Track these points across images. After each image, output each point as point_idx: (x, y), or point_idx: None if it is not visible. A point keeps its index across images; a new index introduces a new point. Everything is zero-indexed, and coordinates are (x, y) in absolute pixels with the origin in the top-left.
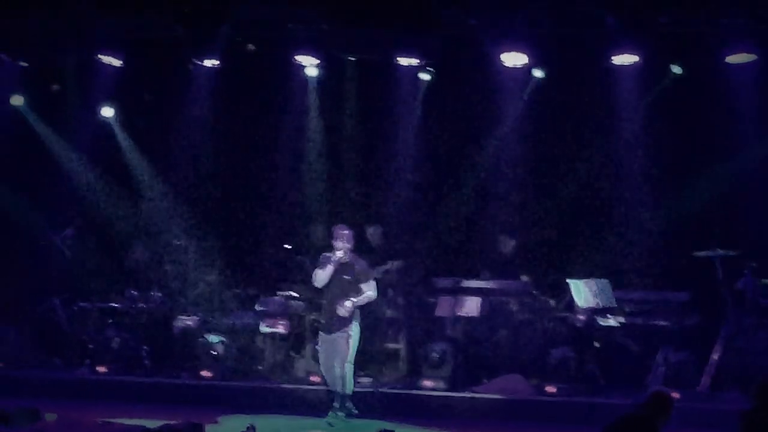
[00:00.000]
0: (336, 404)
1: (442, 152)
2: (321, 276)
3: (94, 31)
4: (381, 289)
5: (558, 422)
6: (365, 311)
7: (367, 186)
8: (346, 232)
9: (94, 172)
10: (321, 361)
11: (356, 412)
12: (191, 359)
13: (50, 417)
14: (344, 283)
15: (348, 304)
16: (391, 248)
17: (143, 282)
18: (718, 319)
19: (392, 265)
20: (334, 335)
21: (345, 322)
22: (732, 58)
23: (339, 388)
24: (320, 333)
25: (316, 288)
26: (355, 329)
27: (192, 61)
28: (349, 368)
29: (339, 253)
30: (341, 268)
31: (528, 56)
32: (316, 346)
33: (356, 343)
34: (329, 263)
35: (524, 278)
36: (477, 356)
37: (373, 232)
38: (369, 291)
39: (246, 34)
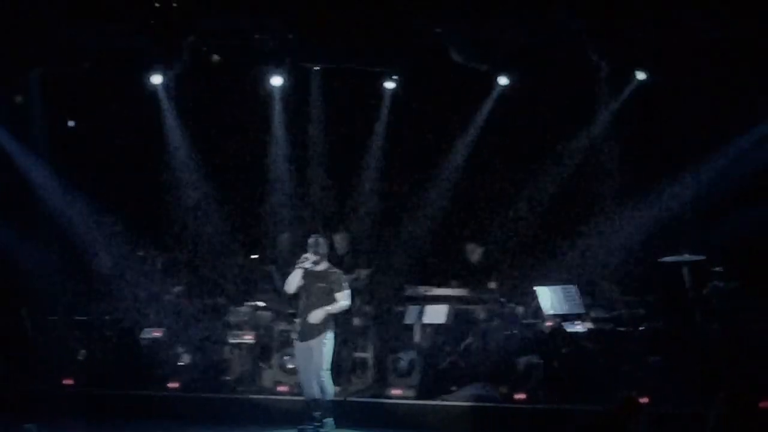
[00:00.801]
0: (317, 414)
1: (408, 160)
2: (290, 280)
3: (58, 42)
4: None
5: (527, 429)
6: (338, 320)
7: (334, 194)
8: (319, 240)
9: (60, 183)
10: (298, 369)
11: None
12: (158, 371)
13: None
14: (319, 291)
15: (320, 312)
16: (359, 257)
17: (109, 294)
18: (685, 324)
19: (360, 273)
20: (308, 343)
21: (320, 329)
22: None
23: (318, 396)
24: (295, 342)
25: (286, 297)
26: (329, 336)
27: (156, 71)
28: (326, 375)
29: (309, 257)
30: (316, 276)
31: (493, 63)
32: (285, 357)
33: (331, 351)
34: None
35: (491, 285)
36: (445, 364)
37: (340, 240)
38: (343, 300)
39: (211, 44)
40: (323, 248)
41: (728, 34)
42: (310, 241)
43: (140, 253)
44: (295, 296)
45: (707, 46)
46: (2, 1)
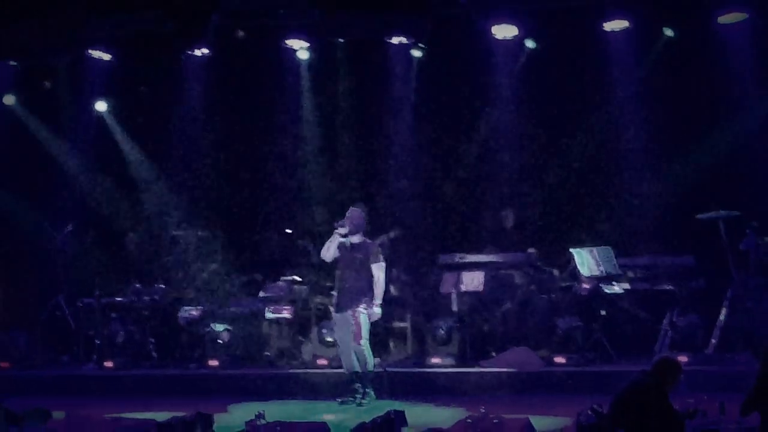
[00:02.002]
0: (358, 386)
1: (439, 128)
2: (325, 250)
3: (84, 28)
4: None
5: (568, 392)
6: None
7: (366, 165)
8: (354, 213)
9: (91, 167)
10: (337, 342)
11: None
12: (198, 349)
13: (58, 415)
14: (355, 262)
15: (377, 310)
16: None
17: (146, 275)
18: (724, 281)
19: (383, 238)
20: (345, 314)
21: (357, 300)
22: (723, 19)
23: (359, 368)
24: (333, 313)
25: (321, 271)
26: (367, 307)
27: (183, 51)
28: (365, 345)
29: (341, 230)
30: (352, 248)
31: (519, 28)
32: (323, 330)
33: (368, 322)
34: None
35: (531, 250)
36: (484, 331)
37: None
38: (379, 273)
39: (236, 22)
40: (359, 219)
41: None
42: (348, 212)
43: (175, 232)
44: (332, 268)
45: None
46: None
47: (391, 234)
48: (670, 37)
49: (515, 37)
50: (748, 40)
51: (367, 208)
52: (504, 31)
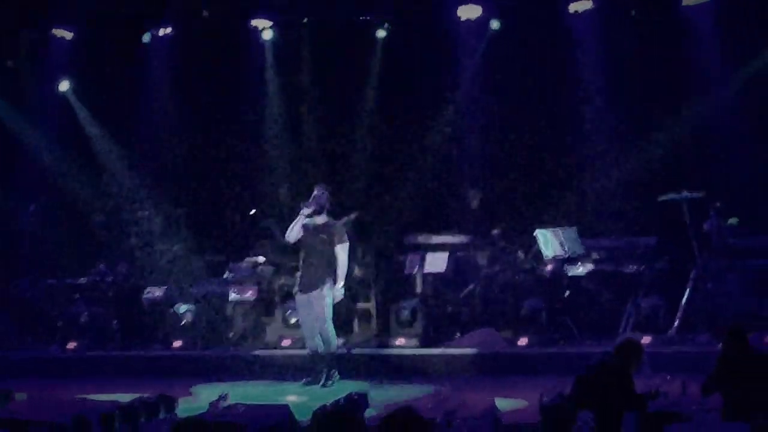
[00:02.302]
0: (322, 367)
1: (403, 108)
2: (289, 231)
3: (46, 5)
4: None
5: (532, 373)
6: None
7: (330, 146)
8: (317, 193)
9: (55, 146)
10: (301, 322)
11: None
12: (161, 330)
13: (20, 396)
14: (319, 243)
15: (340, 291)
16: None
17: (110, 255)
18: (687, 262)
19: (346, 219)
20: (309, 295)
21: (320, 281)
22: (688, 0)
23: (322, 348)
24: (297, 294)
25: (286, 251)
26: (330, 288)
27: (146, 30)
28: (329, 326)
29: (305, 210)
30: (316, 228)
31: (483, 8)
32: (288, 311)
33: (332, 303)
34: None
35: (495, 231)
36: (448, 312)
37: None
38: (341, 253)
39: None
40: (323, 200)
41: None
42: (314, 193)
43: (139, 213)
44: (296, 249)
45: None
46: None
47: (352, 216)
48: (633, 17)
49: (480, 17)
50: (711, 22)
51: (330, 189)
52: (468, 12)
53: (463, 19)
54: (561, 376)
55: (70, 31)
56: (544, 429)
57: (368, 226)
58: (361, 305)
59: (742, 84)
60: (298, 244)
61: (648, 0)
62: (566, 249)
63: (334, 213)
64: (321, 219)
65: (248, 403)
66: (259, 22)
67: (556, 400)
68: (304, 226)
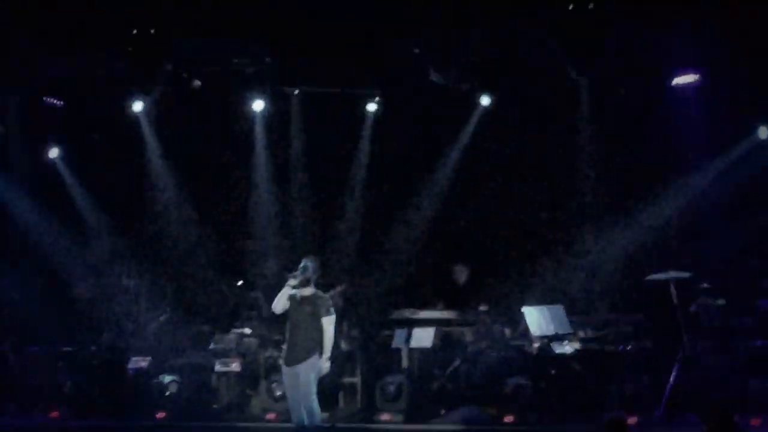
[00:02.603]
0: None
1: (392, 182)
2: (277, 301)
3: (36, 72)
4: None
5: None
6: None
7: (318, 219)
8: (308, 264)
9: (42, 213)
10: (287, 394)
11: None
12: (145, 400)
13: None
14: (305, 315)
15: (326, 365)
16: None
17: (95, 324)
18: (674, 343)
19: (333, 292)
20: (295, 368)
21: (306, 354)
22: (677, 80)
23: (307, 422)
24: (283, 366)
25: (272, 323)
26: (316, 361)
27: (136, 98)
28: (314, 400)
29: (291, 281)
30: (302, 301)
31: (474, 83)
32: (273, 384)
33: (317, 375)
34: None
35: (483, 307)
36: (433, 388)
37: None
38: (329, 327)
39: (190, 69)
40: (311, 272)
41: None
42: (301, 264)
43: (125, 282)
44: (282, 322)
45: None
46: None
47: (339, 288)
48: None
49: (470, 90)
50: (699, 102)
51: (318, 261)
52: (459, 85)
53: (454, 92)
54: None
55: (60, 99)
56: None
57: (355, 300)
58: (346, 379)
59: (728, 164)
60: (284, 316)
61: (637, 78)
62: (552, 327)
63: (322, 286)
64: (308, 291)
65: None
66: (249, 93)
67: None
68: (291, 297)
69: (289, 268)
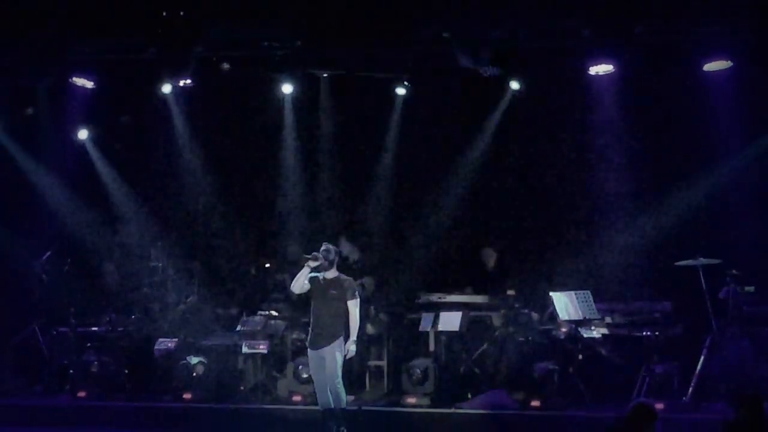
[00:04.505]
0: (332, 424)
1: (420, 166)
2: (296, 281)
3: (66, 54)
4: (363, 307)
5: None
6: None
7: (346, 202)
8: (329, 247)
9: (71, 195)
10: (313, 377)
11: None
12: (172, 382)
13: None
14: (330, 298)
15: (352, 348)
16: (367, 263)
17: (123, 305)
18: (702, 329)
19: (363, 281)
20: (320, 351)
21: (332, 337)
22: (709, 66)
23: (333, 404)
24: (308, 350)
25: (299, 305)
26: (341, 344)
27: (166, 81)
28: (339, 383)
29: (311, 263)
30: (327, 284)
31: (503, 68)
32: (299, 366)
33: (342, 358)
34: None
35: (510, 292)
36: (460, 372)
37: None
38: (354, 310)
39: (219, 53)
40: (333, 255)
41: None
42: (323, 248)
43: (153, 263)
44: (309, 304)
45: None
46: (11, 14)
47: (361, 281)
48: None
49: (500, 76)
50: (731, 88)
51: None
52: (489, 71)
53: (483, 77)
54: None
55: (90, 80)
56: None
57: (383, 283)
58: (373, 362)
59: (760, 151)
60: (309, 299)
61: (668, 63)
62: (580, 312)
63: (345, 270)
64: (331, 274)
65: None
66: (278, 77)
67: None
68: (315, 280)
69: (308, 250)
